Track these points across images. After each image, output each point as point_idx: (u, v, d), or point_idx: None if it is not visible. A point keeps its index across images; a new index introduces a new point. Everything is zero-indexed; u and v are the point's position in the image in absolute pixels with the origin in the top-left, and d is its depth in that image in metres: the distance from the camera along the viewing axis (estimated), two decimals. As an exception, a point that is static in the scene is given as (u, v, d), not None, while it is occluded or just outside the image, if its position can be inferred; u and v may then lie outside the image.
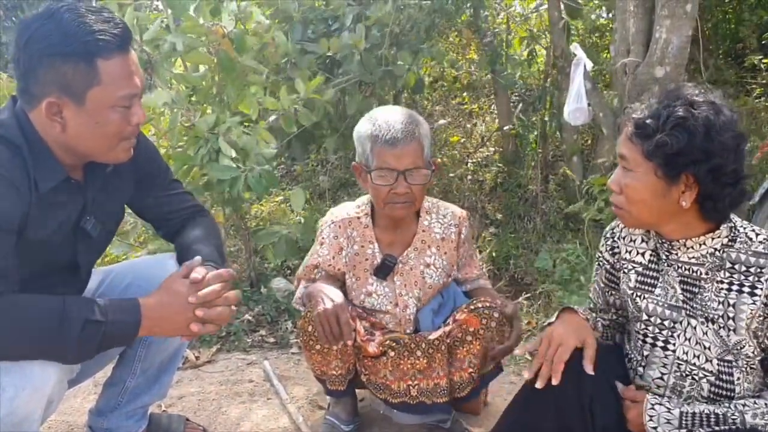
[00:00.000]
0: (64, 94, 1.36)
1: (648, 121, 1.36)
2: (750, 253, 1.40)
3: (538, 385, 1.46)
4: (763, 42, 4.44)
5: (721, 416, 1.38)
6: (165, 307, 1.46)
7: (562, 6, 3.89)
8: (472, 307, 1.89)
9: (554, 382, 1.45)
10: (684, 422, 1.40)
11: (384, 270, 1.98)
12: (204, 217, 1.83)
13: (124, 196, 1.70)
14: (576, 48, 3.18)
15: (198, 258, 1.57)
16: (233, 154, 2.63)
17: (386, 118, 1.85)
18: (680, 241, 1.45)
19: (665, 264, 1.51)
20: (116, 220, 1.72)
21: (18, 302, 1.33)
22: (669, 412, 1.41)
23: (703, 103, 1.35)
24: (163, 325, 1.46)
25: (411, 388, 1.90)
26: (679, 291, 1.48)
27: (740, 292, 1.41)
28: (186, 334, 1.49)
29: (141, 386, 1.89)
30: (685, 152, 1.33)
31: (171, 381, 1.99)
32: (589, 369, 1.46)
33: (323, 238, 2.01)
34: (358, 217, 2.01)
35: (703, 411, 1.40)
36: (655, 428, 1.41)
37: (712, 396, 1.47)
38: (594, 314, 1.74)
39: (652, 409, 1.42)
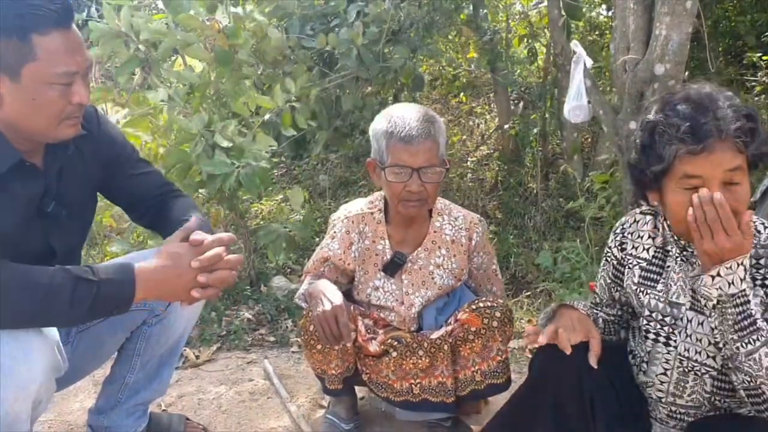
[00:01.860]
0: None
1: (749, 125, 1.32)
2: (759, 245, 1.40)
3: (541, 340, 1.46)
4: (762, 39, 4.43)
5: (755, 327, 1.30)
6: (164, 271, 1.42)
7: (561, 3, 3.88)
8: (474, 306, 1.89)
9: (566, 351, 1.43)
10: (734, 296, 1.30)
11: (393, 267, 1.97)
12: (181, 197, 1.79)
13: (91, 180, 1.67)
14: (576, 45, 3.17)
15: (194, 219, 1.53)
16: (230, 144, 2.62)
17: (402, 114, 1.84)
18: None
19: (675, 260, 1.50)
20: (85, 206, 1.69)
21: (7, 266, 1.32)
22: (742, 279, 1.30)
23: (730, 95, 1.37)
24: (162, 289, 1.43)
25: (413, 386, 1.90)
26: (688, 287, 1.47)
27: (753, 285, 1.39)
28: (186, 299, 1.46)
29: (141, 381, 1.88)
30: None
31: (170, 376, 1.98)
32: (593, 362, 1.45)
33: (335, 232, 2.01)
34: (371, 213, 2.01)
35: (750, 305, 1.30)
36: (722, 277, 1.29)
37: (715, 391, 1.46)
38: (596, 309, 1.74)
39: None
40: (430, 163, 1.82)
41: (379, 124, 1.88)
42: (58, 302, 1.33)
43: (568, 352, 1.43)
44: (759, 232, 1.41)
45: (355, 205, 2.06)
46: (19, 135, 1.43)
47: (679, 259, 1.50)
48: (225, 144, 2.58)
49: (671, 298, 1.50)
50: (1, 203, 1.42)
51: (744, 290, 1.30)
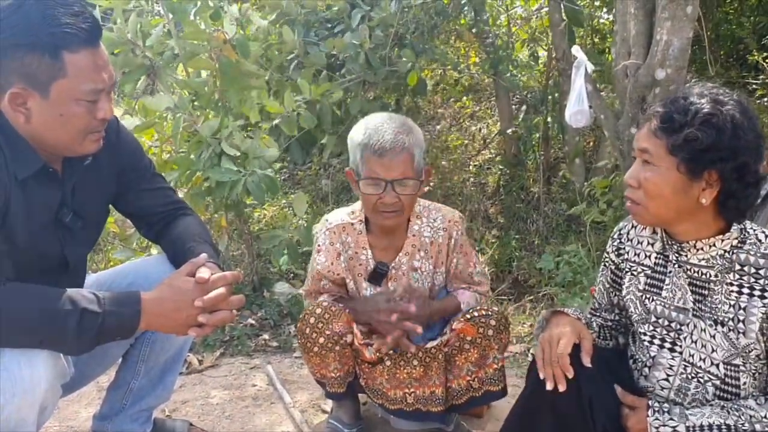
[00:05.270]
0: (29, 85, 1.36)
1: (675, 116, 1.34)
2: (759, 255, 1.40)
3: (561, 387, 1.45)
4: (763, 42, 4.43)
5: (732, 427, 1.37)
6: (166, 304, 1.45)
7: (562, 8, 3.89)
8: (468, 316, 1.90)
9: (569, 376, 1.44)
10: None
11: (376, 277, 1.98)
12: (190, 215, 1.81)
13: (106, 191, 1.69)
14: (577, 50, 3.17)
15: (204, 255, 1.56)
16: (237, 153, 2.63)
17: (377, 126, 1.84)
18: (690, 242, 1.44)
19: (674, 266, 1.50)
20: (98, 217, 1.70)
21: (14, 290, 1.34)
22: (674, 430, 1.39)
23: (729, 101, 1.35)
24: (162, 322, 1.46)
25: (407, 395, 1.91)
26: (689, 293, 1.48)
27: (751, 295, 1.40)
28: (183, 334, 1.49)
29: (145, 387, 1.89)
30: (714, 149, 1.31)
31: (175, 381, 1.99)
32: (586, 361, 1.46)
33: (319, 245, 2.02)
34: (352, 224, 2.01)
35: (713, 423, 1.38)
36: None
37: (717, 400, 1.46)
38: (594, 314, 1.74)
39: (657, 419, 1.41)
40: (404, 176, 1.82)
41: (355, 135, 1.87)
42: (65, 334, 1.35)
43: (570, 375, 1.44)
44: (760, 241, 1.42)
45: (336, 215, 2.05)
46: (43, 147, 1.45)
47: (676, 265, 1.51)
48: (232, 153, 2.59)
49: (677, 303, 1.50)
50: (22, 205, 1.44)
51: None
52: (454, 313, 1.99)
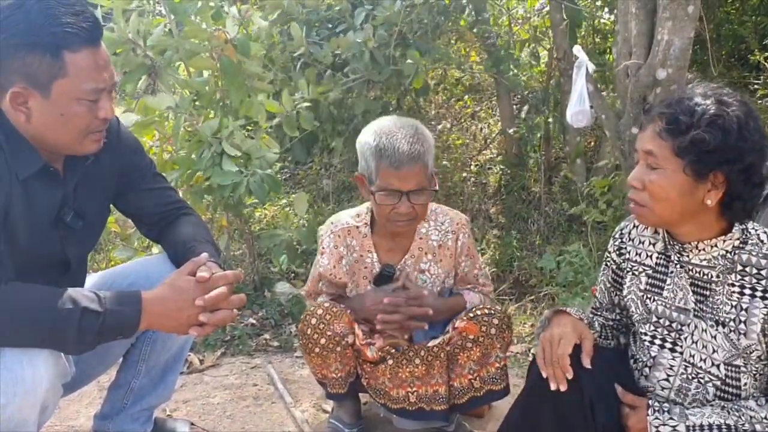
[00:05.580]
0: (30, 84, 1.36)
1: (681, 117, 1.33)
2: (761, 255, 1.39)
3: (562, 387, 1.45)
4: (765, 42, 4.43)
5: (732, 428, 1.37)
6: (167, 303, 1.45)
7: (563, 8, 3.89)
8: (471, 315, 1.90)
9: (568, 376, 1.44)
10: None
11: (382, 280, 1.98)
12: (191, 215, 1.81)
13: (107, 191, 1.69)
14: (578, 51, 3.17)
15: (205, 255, 1.56)
16: (238, 153, 2.63)
17: (391, 134, 1.80)
18: (692, 243, 1.44)
19: (676, 266, 1.50)
20: (99, 217, 1.71)
21: (15, 289, 1.35)
22: (674, 430, 1.40)
23: (733, 102, 1.34)
24: (163, 321, 1.46)
25: (410, 394, 1.91)
26: (690, 293, 1.48)
27: (753, 296, 1.40)
28: (184, 333, 1.50)
29: (146, 387, 1.90)
30: (720, 150, 1.31)
31: (176, 381, 1.99)
32: (586, 362, 1.46)
33: (323, 247, 2.02)
34: (357, 227, 2.00)
35: (713, 423, 1.38)
36: None
37: (717, 400, 1.46)
38: (596, 314, 1.74)
39: (657, 419, 1.41)
40: (419, 186, 1.81)
41: (366, 141, 1.84)
42: (66, 333, 1.35)
43: (570, 376, 1.44)
44: (762, 241, 1.41)
45: (341, 218, 2.04)
46: (44, 147, 1.46)
47: (678, 265, 1.51)
48: (233, 153, 2.59)
49: (678, 303, 1.50)
50: (23, 204, 1.44)
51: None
52: (460, 313, 1.99)
